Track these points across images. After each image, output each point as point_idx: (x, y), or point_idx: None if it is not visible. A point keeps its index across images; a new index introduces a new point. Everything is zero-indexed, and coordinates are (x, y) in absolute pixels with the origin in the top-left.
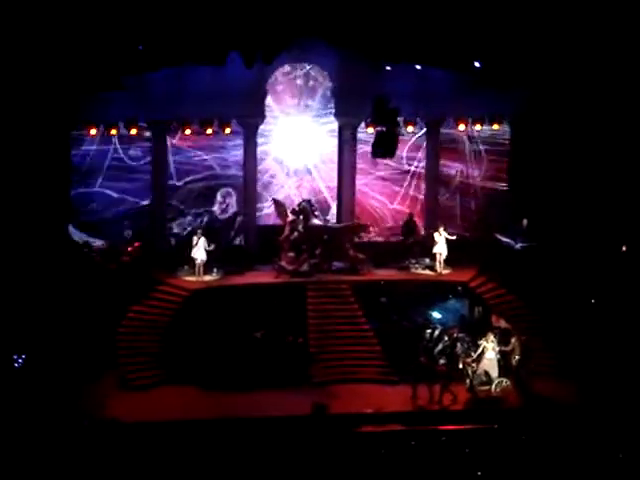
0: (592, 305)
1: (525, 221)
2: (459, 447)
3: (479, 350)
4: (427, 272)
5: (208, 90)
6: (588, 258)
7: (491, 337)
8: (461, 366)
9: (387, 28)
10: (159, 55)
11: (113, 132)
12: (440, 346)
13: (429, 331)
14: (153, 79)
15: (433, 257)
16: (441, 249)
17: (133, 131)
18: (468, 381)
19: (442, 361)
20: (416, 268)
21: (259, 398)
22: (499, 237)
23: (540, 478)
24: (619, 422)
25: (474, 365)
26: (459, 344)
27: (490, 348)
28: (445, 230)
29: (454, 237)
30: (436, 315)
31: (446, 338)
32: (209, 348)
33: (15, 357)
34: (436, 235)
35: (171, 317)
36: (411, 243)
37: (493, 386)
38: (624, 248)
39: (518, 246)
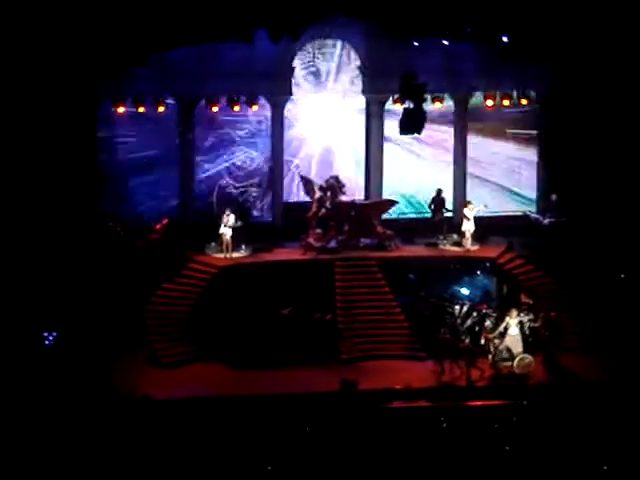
0: (621, 280)
1: (554, 196)
2: (487, 422)
3: (502, 326)
4: (455, 248)
5: (235, 67)
6: (617, 233)
7: (514, 313)
8: (483, 342)
9: (414, 2)
10: (185, 32)
11: (141, 109)
12: (469, 322)
13: (457, 307)
14: (179, 55)
15: (462, 233)
16: (469, 226)
17: (160, 108)
18: (490, 357)
19: (468, 338)
20: (444, 244)
21: (287, 375)
22: (528, 213)
23: (566, 453)
24: None
25: (496, 341)
26: (488, 320)
27: (513, 324)
28: (474, 206)
29: (486, 207)
30: (464, 291)
31: (475, 314)
32: (237, 325)
33: (46, 334)
34: (465, 211)
35: (200, 294)
36: (439, 219)
37: (515, 362)
38: None
39: (546, 221)
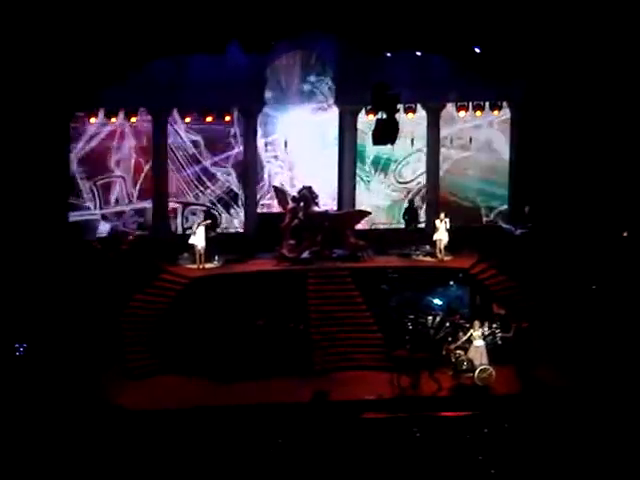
0: (593, 291)
1: (527, 208)
2: (460, 433)
3: (464, 338)
4: (428, 259)
5: (208, 78)
6: (589, 244)
7: (477, 325)
8: (444, 353)
9: (385, 14)
10: (158, 44)
11: (113, 120)
12: (442, 333)
13: (430, 318)
14: (153, 66)
15: (434, 244)
16: (442, 236)
17: (133, 119)
18: (452, 368)
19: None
20: (417, 255)
21: (260, 386)
22: (500, 224)
23: (538, 462)
24: (616, 409)
25: (458, 352)
26: (461, 331)
27: (477, 336)
28: (446, 217)
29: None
30: (437, 302)
31: (447, 324)
32: (211, 336)
33: (17, 346)
34: (437, 222)
35: (172, 305)
36: (412, 230)
37: (476, 373)
38: (625, 234)
39: (518, 232)
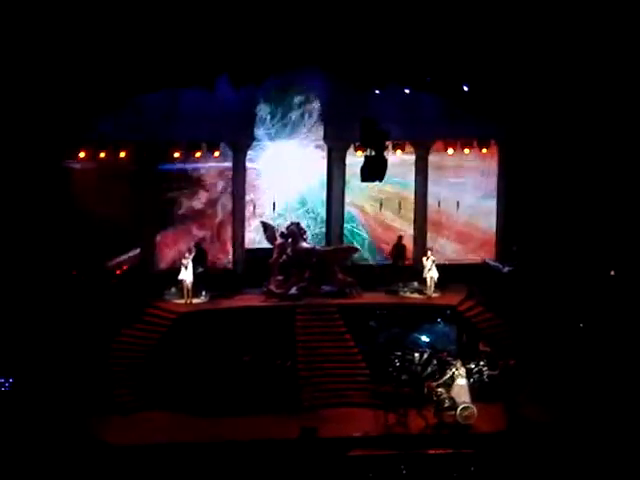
0: (580, 329)
1: (515, 247)
2: (447, 471)
3: (447, 376)
4: (416, 295)
5: (197, 113)
6: (576, 283)
7: (459, 364)
8: (426, 391)
9: (374, 51)
10: (147, 79)
11: (102, 155)
12: (429, 369)
13: (417, 355)
14: (143, 101)
15: (423, 281)
16: (431, 273)
17: (122, 154)
18: (434, 406)
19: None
20: (404, 292)
21: (247, 422)
22: (487, 261)
23: None
24: (603, 446)
25: (440, 390)
26: (448, 368)
27: (460, 375)
28: (433, 255)
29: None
30: (425, 339)
31: (435, 362)
32: (197, 372)
33: (2, 381)
34: (424, 259)
35: (159, 340)
36: (400, 267)
37: (458, 412)
38: (612, 273)
39: (506, 269)
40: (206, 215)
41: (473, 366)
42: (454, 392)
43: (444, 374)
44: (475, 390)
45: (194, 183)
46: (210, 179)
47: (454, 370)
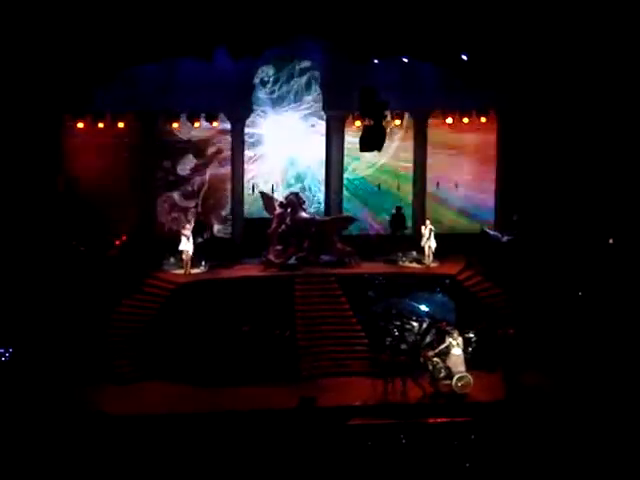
0: (579, 298)
1: (515, 216)
2: (446, 439)
3: (443, 346)
4: (414, 265)
5: (196, 83)
6: (575, 251)
7: (456, 334)
8: (422, 360)
9: (374, 21)
10: (146, 49)
11: (100, 125)
12: (428, 339)
13: (417, 324)
14: (141, 71)
15: (421, 250)
16: (429, 242)
17: (121, 124)
18: (429, 375)
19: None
20: (403, 261)
21: (247, 392)
22: (487, 230)
23: (525, 469)
24: (603, 414)
25: (435, 360)
26: (447, 337)
27: (456, 344)
28: (432, 224)
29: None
30: (423, 308)
31: (434, 331)
32: (197, 342)
33: (2, 351)
34: (422, 228)
35: (158, 311)
36: (399, 236)
37: (453, 381)
38: (611, 241)
39: (505, 239)
40: (203, 182)
41: (471, 335)
42: (450, 362)
43: (441, 343)
44: (471, 359)
45: (193, 150)
46: (209, 146)
47: (450, 340)
